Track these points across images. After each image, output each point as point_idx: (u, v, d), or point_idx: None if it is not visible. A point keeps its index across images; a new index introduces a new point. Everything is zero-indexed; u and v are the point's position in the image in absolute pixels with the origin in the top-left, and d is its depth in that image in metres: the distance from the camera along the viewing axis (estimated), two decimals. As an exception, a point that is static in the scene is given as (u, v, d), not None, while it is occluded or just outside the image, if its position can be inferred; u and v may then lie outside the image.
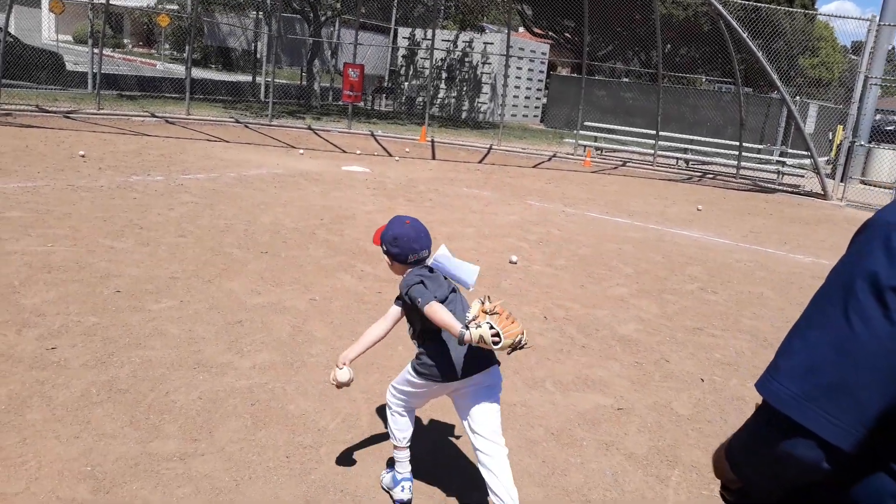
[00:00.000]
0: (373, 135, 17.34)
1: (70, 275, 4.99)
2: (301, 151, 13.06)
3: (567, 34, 30.13)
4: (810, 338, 1.03)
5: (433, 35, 18.94)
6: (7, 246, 5.46)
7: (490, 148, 17.26)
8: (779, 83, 13.83)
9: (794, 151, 17.41)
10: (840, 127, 15.45)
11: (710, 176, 16.45)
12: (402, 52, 27.26)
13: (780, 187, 15.62)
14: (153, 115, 15.48)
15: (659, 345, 4.99)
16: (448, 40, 26.10)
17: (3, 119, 12.37)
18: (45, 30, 30.29)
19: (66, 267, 5.14)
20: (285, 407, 3.48)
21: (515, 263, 6.69)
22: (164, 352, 3.93)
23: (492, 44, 25.45)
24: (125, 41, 42.61)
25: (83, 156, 9.70)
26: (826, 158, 17.61)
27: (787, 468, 1.05)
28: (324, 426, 3.34)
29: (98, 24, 19.37)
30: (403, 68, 27.65)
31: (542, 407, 3.83)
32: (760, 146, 18.26)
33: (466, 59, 26.08)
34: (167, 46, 35.66)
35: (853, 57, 23.04)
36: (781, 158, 17.17)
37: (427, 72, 20.42)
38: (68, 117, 13.73)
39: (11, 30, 21.16)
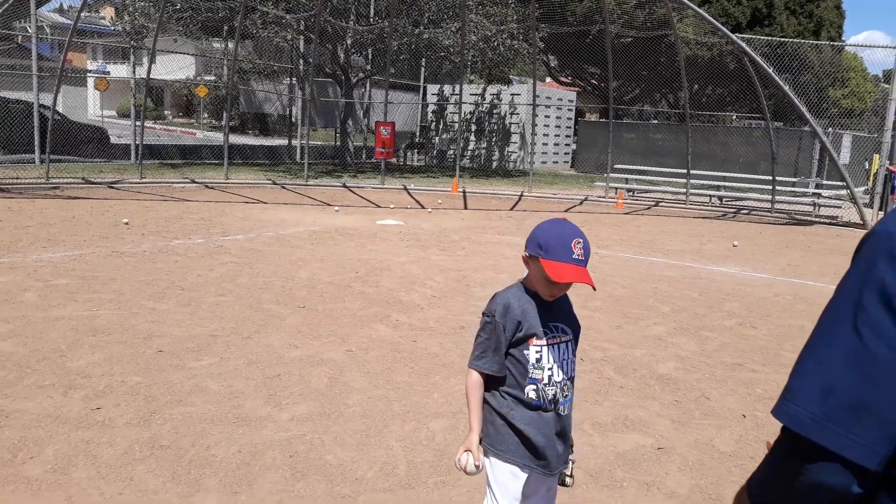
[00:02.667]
0: (406, 189, 17.61)
1: (114, 337, 5.14)
2: (336, 208, 13.32)
3: (593, 81, 30.48)
4: (823, 356, 1.01)
5: (461, 90, 19.30)
6: (55, 312, 5.66)
7: (521, 195, 17.38)
8: (808, 116, 13.77)
9: (830, 182, 17.17)
10: (876, 156, 15.23)
11: (745, 212, 16.29)
12: (431, 108, 27.81)
13: (818, 219, 15.38)
14: (193, 181, 15.97)
15: (699, 382, 4.92)
16: (476, 94, 26.58)
17: (51, 192, 12.90)
18: (90, 106, 31.65)
19: (111, 329, 5.30)
20: (323, 457, 3.51)
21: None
22: (205, 407, 4.01)
23: (519, 94, 25.85)
24: (166, 112, 44.28)
25: (126, 223, 10.04)
26: (864, 188, 17.32)
27: (817, 498, 1.00)
28: (361, 475, 3.36)
29: (139, 98, 20.22)
30: (433, 123, 28.17)
31: (580, 449, 3.78)
32: (795, 179, 18.07)
33: (495, 111, 26.49)
34: (206, 115, 36.95)
35: (885, 85, 22.82)
36: (817, 190, 16.94)
37: (456, 125, 20.76)
38: (112, 187, 14.26)
39: (59, 108, 22.25)
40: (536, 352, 2.11)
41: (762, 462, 1.10)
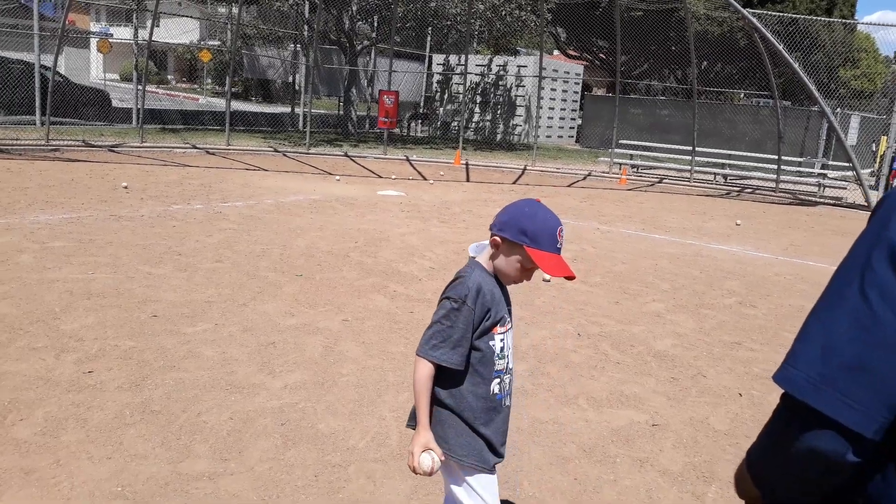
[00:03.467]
0: (408, 159, 17.49)
1: (109, 301, 5.11)
2: (337, 178, 13.22)
3: (602, 54, 30.12)
4: (827, 319, 0.97)
5: (466, 60, 19.06)
6: (50, 274, 5.62)
7: (524, 169, 17.26)
8: (817, 95, 13.59)
9: (836, 163, 17.03)
10: (884, 137, 15.07)
11: (749, 191, 16.17)
12: (436, 78, 27.53)
13: (822, 200, 15.27)
14: (194, 147, 15.86)
15: (696, 360, 4.89)
16: (482, 65, 26.29)
17: (51, 154, 12.81)
18: (93, 69, 31.38)
19: (106, 293, 5.26)
20: (315, 426, 3.49)
21: (549, 281, 6.64)
22: (198, 373, 3.98)
23: (525, 66, 25.55)
24: (169, 77, 43.93)
25: (126, 187, 9.97)
26: (870, 170, 17.18)
27: (811, 467, 0.97)
28: (353, 445, 3.34)
29: (142, 61, 20.00)
30: (438, 94, 27.90)
31: (574, 424, 3.77)
32: (801, 159, 17.93)
33: (500, 83, 26.22)
34: (209, 81, 36.63)
35: (896, 66, 22.54)
36: (823, 171, 16.80)
37: (461, 96, 20.56)
38: (113, 151, 14.16)
39: (62, 70, 22.02)
40: (501, 340, 1.96)
41: (761, 432, 1.07)
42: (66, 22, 13.99)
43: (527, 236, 1.90)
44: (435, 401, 1.95)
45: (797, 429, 0.97)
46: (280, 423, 3.49)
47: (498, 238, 1.95)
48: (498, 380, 1.96)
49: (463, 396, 1.93)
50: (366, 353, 4.51)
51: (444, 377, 1.92)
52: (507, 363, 1.99)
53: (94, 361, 4.04)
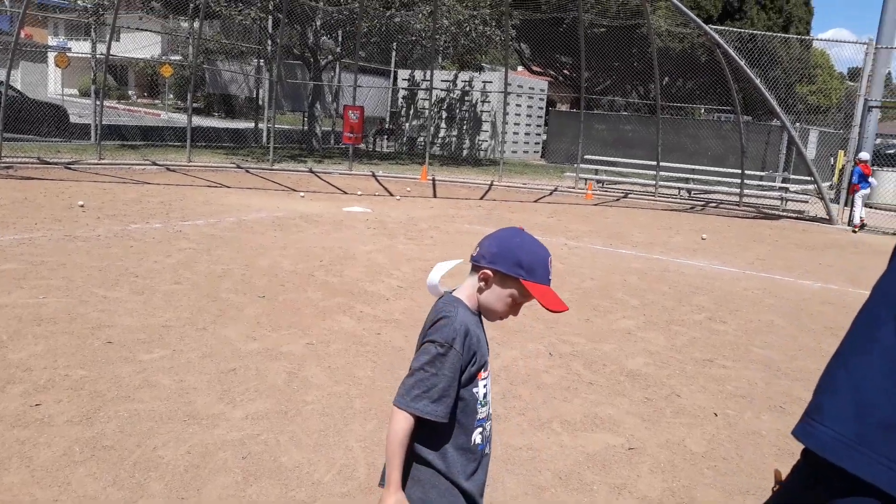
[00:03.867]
0: (374, 175, 17.34)
1: (61, 326, 4.86)
2: (302, 194, 13.02)
3: (565, 70, 30.39)
4: (857, 367, 0.84)
5: (431, 75, 19.03)
6: (-2, 299, 5.35)
7: (491, 184, 17.22)
8: (778, 110, 13.81)
9: (797, 177, 17.32)
10: (841, 152, 15.37)
11: (714, 205, 16.34)
12: (402, 93, 27.47)
13: (785, 213, 15.49)
14: (154, 164, 15.52)
15: (669, 378, 4.81)
16: (447, 80, 26.31)
17: (3, 172, 12.39)
18: (51, 84, 30.70)
19: (57, 318, 5.01)
20: (278, 459, 3.31)
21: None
22: (154, 404, 3.78)
23: (490, 82, 25.64)
24: (130, 92, 43.21)
25: (82, 206, 9.66)
26: (829, 183, 17.50)
27: None
28: (318, 479, 3.17)
29: (100, 76, 19.59)
30: (404, 109, 27.84)
31: (549, 449, 3.65)
32: (762, 173, 18.21)
33: (466, 98, 26.26)
34: (171, 96, 36.11)
35: (850, 83, 23.09)
36: (784, 185, 17.07)
37: (427, 112, 20.51)
38: (69, 168, 13.76)
39: (18, 85, 21.46)
40: (484, 386, 1.78)
41: (777, 492, 0.94)
42: (22, 35, 13.63)
43: (523, 268, 1.74)
44: (412, 456, 1.73)
45: (827, 491, 0.83)
46: (241, 456, 3.31)
47: (489, 271, 1.75)
48: (480, 429, 1.78)
49: (445, 451, 1.73)
50: (331, 379, 4.34)
51: (425, 431, 1.71)
52: (489, 409, 1.82)
53: (43, 393, 3.81)
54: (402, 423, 1.67)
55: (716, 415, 4.25)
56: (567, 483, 3.32)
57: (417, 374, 1.68)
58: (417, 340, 1.82)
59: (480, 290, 1.78)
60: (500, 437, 3.70)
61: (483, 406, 1.78)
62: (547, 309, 1.76)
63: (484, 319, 1.83)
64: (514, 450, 3.60)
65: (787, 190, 16.45)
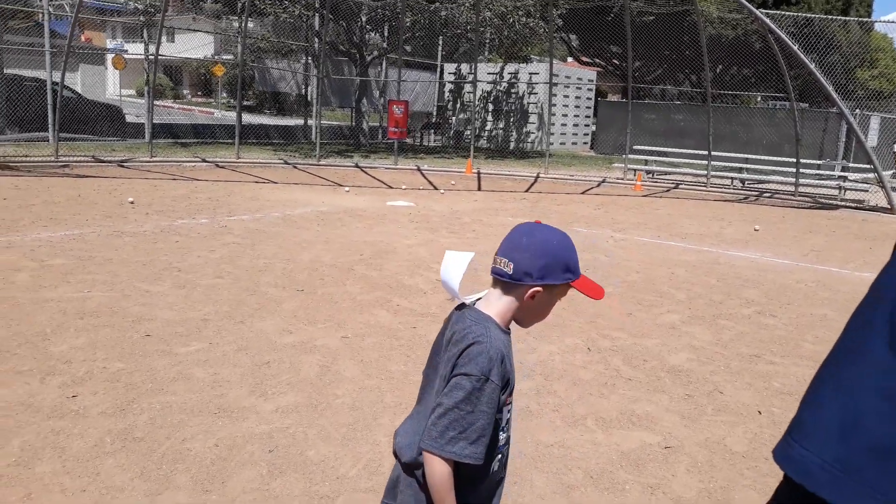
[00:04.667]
0: (419, 169, 17.33)
1: (102, 320, 4.96)
2: (347, 189, 13.09)
3: (615, 60, 29.87)
4: (845, 380, 0.73)
5: (474, 68, 18.91)
6: (45, 293, 5.49)
7: (537, 176, 17.04)
8: (835, 96, 13.29)
9: (857, 165, 16.66)
10: (905, 138, 14.71)
11: (768, 195, 15.84)
12: (448, 87, 27.41)
13: (843, 203, 14.91)
14: (204, 161, 15.81)
15: (712, 375, 4.65)
16: (493, 73, 26.13)
17: (60, 171, 12.78)
18: (109, 85, 31.59)
19: (100, 312, 5.11)
20: (304, 453, 3.30)
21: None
22: (186, 396, 3.81)
23: (537, 73, 25.37)
24: (184, 92, 44.22)
25: (132, 202, 9.88)
26: (892, 171, 16.79)
27: None
28: (343, 473, 3.14)
29: (153, 76, 20.04)
30: (450, 103, 27.78)
31: (581, 447, 3.55)
32: (820, 162, 17.56)
33: (513, 91, 26.05)
34: (224, 95, 36.79)
35: (916, 65, 22.11)
36: (843, 174, 16.44)
37: (472, 105, 20.41)
38: (122, 166, 14.12)
39: (77, 86, 22.12)
40: (508, 412, 1.60)
41: None
42: (77, 38, 14.02)
43: (570, 271, 1.59)
44: (424, 490, 1.55)
45: None
46: (268, 449, 3.30)
47: (540, 289, 1.57)
48: (500, 455, 1.62)
49: (475, 488, 1.58)
50: (363, 373, 4.31)
51: (458, 472, 1.52)
52: (509, 434, 1.65)
53: (80, 385, 3.88)
54: (442, 469, 1.48)
55: (760, 413, 4.08)
56: (598, 482, 3.22)
57: (452, 414, 1.47)
58: (435, 356, 1.65)
59: (523, 307, 1.60)
60: (532, 434, 3.62)
61: (504, 432, 1.61)
62: (593, 299, 1.62)
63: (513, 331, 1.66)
64: (545, 447, 3.51)
65: (845, 179, 15.84)
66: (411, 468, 1.58)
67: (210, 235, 8.10)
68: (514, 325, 1.65)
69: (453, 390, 1.49)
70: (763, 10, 15.35)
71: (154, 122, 16.38)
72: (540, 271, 1.55)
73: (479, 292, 1.69)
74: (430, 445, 1.48)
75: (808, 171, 16.20)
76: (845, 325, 0.77)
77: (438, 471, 1.47)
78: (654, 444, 3.62)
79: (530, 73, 25.58)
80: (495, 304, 1.60)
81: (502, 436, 1.60)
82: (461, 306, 1.64)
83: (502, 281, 1.59)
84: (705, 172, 16.73)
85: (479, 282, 1.72)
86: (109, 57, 25.30)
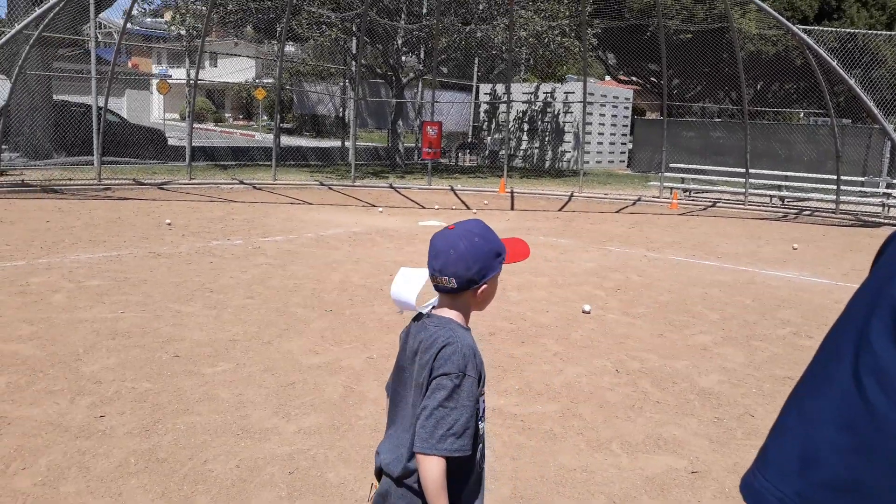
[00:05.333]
0: (452, 189, 17.38)
1: (133, 340, 5.05)
2: (380, 209, 13.18)
3: (652, 78, 29.69)
4: (808, 411, 0.71)
5: (508, 88, 18.97)
6: (80, 314, 5.62)
7: (571, 195, 16.95)
8: (876, 111, 12.99)
9: (902, 182, 16.22)
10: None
11: (808, 213, 15.50)
12: (483, 107, 27.52)
13: (886, 221, 14.51)
14: (241, 182, 16.09)
15: (743, 398, 4.53)
16: (529, 92, 26.17)
17: (102, 193, 13.13)
18: (154, 109, 32.46)
19: (131, 333, 5.21)
20: (325, 475, 3.30)
21: (588, 313, 6.35)
22: (211, 417, 3.85)
23: (573, 92, 25.33)
24: (226, 115, 45.21)
25: (169, 224, 10.09)
26: (940, 188, 16.31)
27: None
28: (362, 496, 3.13)
29: (195, 101, 20.54)
30: (485, 123, 27.88)
31: (605, 472, 3.48)
32: (863, 179, 17.14)
33: (548, 110, 26.03)
34: (265, 118, 37.52)
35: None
36: (887, 190, 16.01)
37: (507, 125, 20.45)
38: (162, 188, 14.45)
39: (123, 111, 22.78)
40: (483, 402, 1.69)
41: None
42: (124, 64, 14.48)
43: (500, 254, 1.72)
44: (418, 494, 1.62)
45: None
46: (288, 471, 3.31)
47: (485, 285, 1.71)
48: (481, 445, 1.71)
49: (466, 482, 1.66)
50: (386, 394, 4.30)
51: (449, 469, 1.59)
52: (484, 425, 1.74)
53: (108, 405, 3.95)
54: (436, 467, 1.55)
55: (792, 437, 3.96)
56: (621, 508, 3.15)
57: (438, 413, 1.56)
58: (400, 373, 1.76)
59: (475, 303, 1.74)
60: (554, 458, 3.57)
61: (482, 423, 1.70)
62: (521, 259, 1.75)
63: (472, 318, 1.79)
64: (568, 471, 3.45)
65: (889, 196, 15.42)
66: (402, 479, 1.64)
67: (243, 256, 8.21)
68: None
69: (435, 391, 1.58)
70: (803, 27, 15.13)
71: (194, 144, 16.74)
72: (479, 273, 1.67)
73: (431, 300, 1.78)
74: (422, 447, 1.56)
75: (850, 188, 15.82)
76: (818, 348, 0.74)
77: (433, 469, 1.55)
78: (680, 469, 3.54)
79: (566, 93, 25.55)
80: (453, 308, 1.72)
81: (482, 425, 1.68)
82: (418, 317, 1.74)
83: (453, 293, 1.70)
84: (743, 190, 16.46)
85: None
86: (154, 82, 26.04)
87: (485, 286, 1.70)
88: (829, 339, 0.72)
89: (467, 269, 1.67)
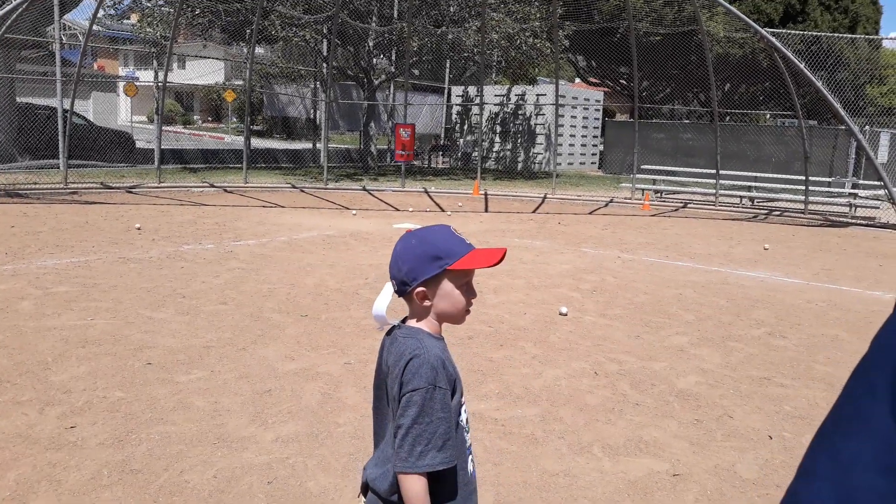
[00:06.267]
0: (426, 191, 17.34)
1: (104, 348, 4.93)
2: (354, 212, 13.09)
3: (623, 80, 29.95)
4: (843, 452, 0.66)
5: (481, 91, 18.99)
6: (48, 321, 5.47)
7: (544, 197, 17.01)
8: (843, 113, 13.22)
9: (867, 182, 16.53)
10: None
11: (777, 213, 15.73)
12: (455, 109, 27.53)
13: (854, 221, 14.79)
14: (212, 185, 15.88)
15: (721, 399, 4.55)
16: (501, 94, 26.24)
17: (69, 197, 12.85)
18: (122, 112, 31.93)
19: (102, 340, 5.09)
20: (304, 484, 3.23)
21: (566, 315, 6.35)
22: (186, 426, 3.76)
23: (544, 95, 25.45)
24: (195, 117, 44.65)
25: (139, 228, 9.91)
26: (903, 188, 16.65)
27: None
28: (343, 505, 3.07)
29: (162, 103, 20.23)
30: (458, 125, 27.89)
31: (587, 476, 3.47)
32: (830, 179, 17.45)
33: (520, 112, 26.13)
34: (234, 120, 37.11)
35: (925, 81, 22.02)
36: (853, 191, 16.31)
37: (479, 127, 20.46)
38: (131, 192, 14.20)
39: (89, 114, 22.34)
40: (464, 411, 1.66)
41: None
42: (90, 67, 14.21)
43: (442, 258, 1.60)
44: None
45: None
46: (267, 481, 3.24)
47: (422, 288, 1.61)
48: (470, 455, 1.68)
49: (456, 493, 1.61)
50: (366, 400, 4.24)
51: (431, 483, 1.56)
52: (468, 436, 1.70)
53: (79, 415, 3.84)
54: (417, 485, 1.51)
55: (771, 438, 3.98)
56: (604, 512, 3.13)
57: (414, 430, 1.51)
58: (378, 388, 1.71)
59: (429, 309, 1.65)
60: (537, 462, 3.55)
61: (467, 432, 1.67)
62: (485, 265, 1.62)
63: (446, 336, 1.72)
64: (550, 476, 3.43)
65: (855, 196, 15.71)
66: (388, 495, 1.60)
67: (215, 261, 8.09)
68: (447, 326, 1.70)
69: (407, 408, 1.53)
70: (769, 29, 15.36)
71: (163, 147, 16.49)
72: (409, 274, 1.61)
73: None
74: (403, 466, 1.52)
75: (818, 188, 16.09)
76: (845, 384, 0.69)
77: (414, 487, 1.51)
78: (661, 472, 3.53)
79: (537, 95, 25.66)
80: (416, 316, 1.67)
81: (466, 436, 1.66)
82: (391, 330, 1.69)
83: (404, 298, 1.67)
84: (714, 191, 16.66)
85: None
86: (121, 84, 25.62)
87: (422, 289, 1.61)
88: (859, 373, 0.68)
89: (398, 271, 1.63)
